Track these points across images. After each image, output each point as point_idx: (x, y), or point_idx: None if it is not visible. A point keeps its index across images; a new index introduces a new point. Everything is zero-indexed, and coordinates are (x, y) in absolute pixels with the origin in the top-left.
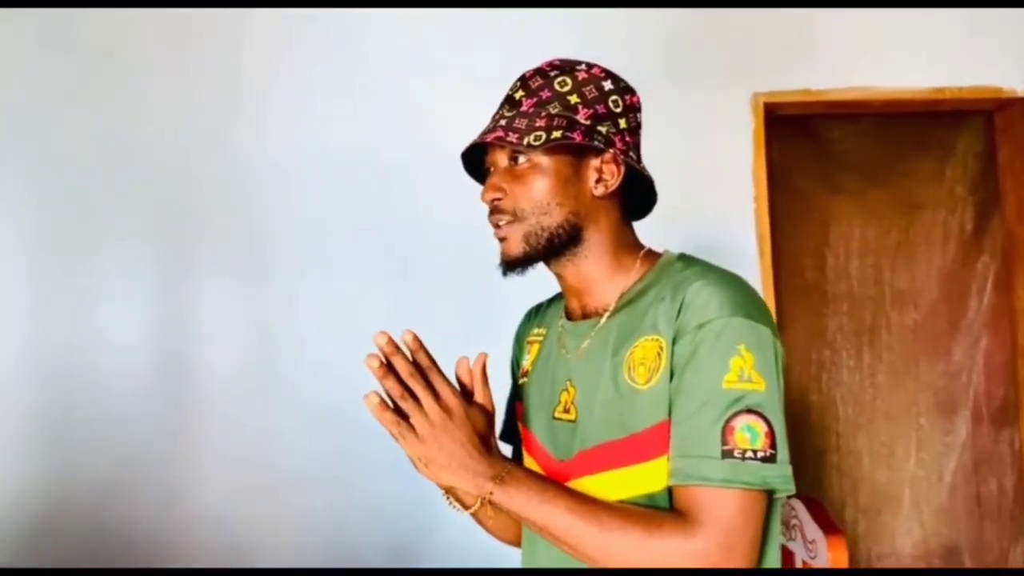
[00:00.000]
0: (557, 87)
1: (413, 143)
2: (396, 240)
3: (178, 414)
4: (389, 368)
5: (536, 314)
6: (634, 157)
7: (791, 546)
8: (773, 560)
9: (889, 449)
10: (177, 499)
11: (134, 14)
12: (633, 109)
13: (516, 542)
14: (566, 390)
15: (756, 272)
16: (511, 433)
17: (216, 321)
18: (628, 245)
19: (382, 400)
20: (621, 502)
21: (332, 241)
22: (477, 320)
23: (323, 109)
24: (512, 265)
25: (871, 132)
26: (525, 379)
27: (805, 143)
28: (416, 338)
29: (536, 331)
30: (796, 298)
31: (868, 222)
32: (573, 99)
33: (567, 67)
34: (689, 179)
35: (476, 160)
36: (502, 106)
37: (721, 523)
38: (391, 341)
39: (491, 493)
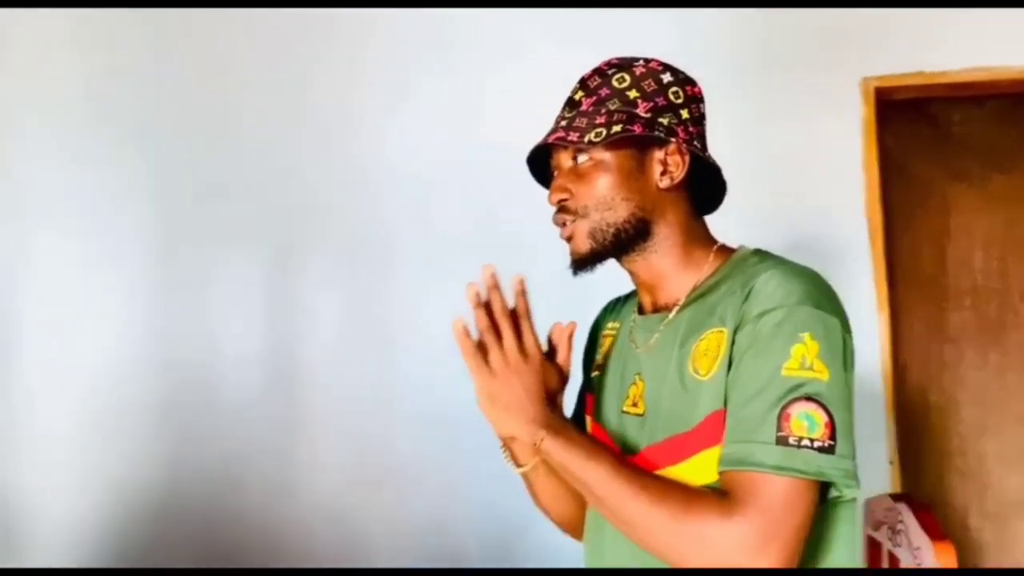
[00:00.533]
0: (615, 84)
1: (525, 147)
2: (504, 243)
3: (289, 411)
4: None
5: (613, 308)
6: (698, 146)
7: (897, 552)
8: (844, 564)
9: (1020, 453)
10: (288, 492)
11: (252, 15)
12: (695, 99)
13: (567, 524)
14: (634, 384)
15: (867, 265)
16: (578, 425)
17: (327, 322)
18: (699, 239)
19: (467, 328)
20: None
21: (440, 245)
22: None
23: (435, 112)
24: (580, 263)
25: (996, 115)
26: (597, 372)
27: (923, 128)
28: (522, 283)
29: (611, 325)
30: (913, 292)
31: (993, 211)
32: (632, 94)
33: (625, 64)
34: (795, 171)
35: (544, 164)
36: (563, 108)
37: (764, 508)
38: (495, 276)
39: (542, 440)
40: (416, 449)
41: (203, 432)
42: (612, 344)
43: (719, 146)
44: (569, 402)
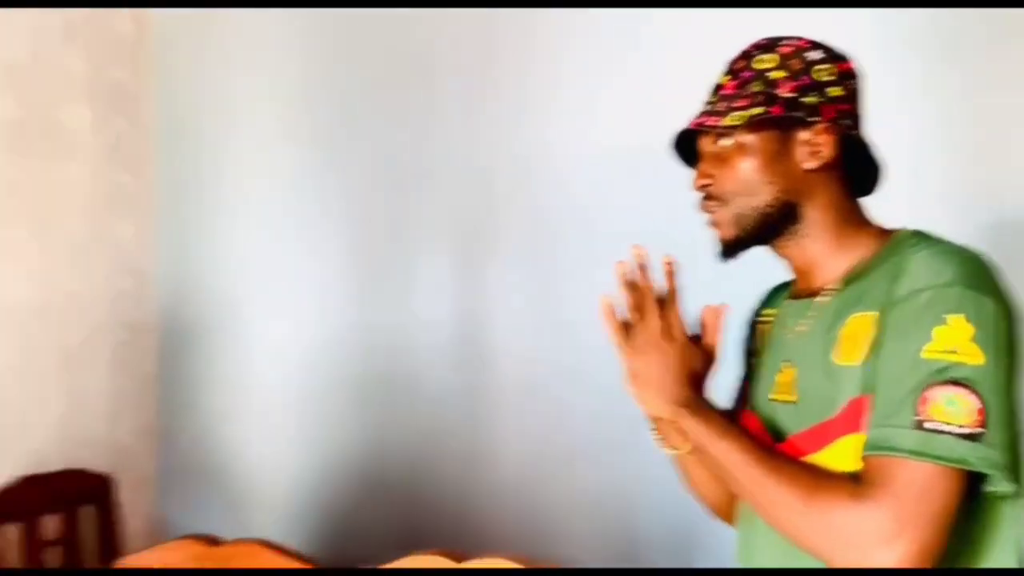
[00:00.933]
0: (759, 65)
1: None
2: (677, 229)
3: (479, 389)
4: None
5: (771, 295)
6: (849, 124)
7: None
8: (1000, 565)
9: None
10: (479, 467)
11: (431, 15)
12: (846, 76)
13: (719, 511)
14: (784, 371)
15: None
16: (737, 414)
17: (513, 304)
18: (854, 221)
19: (613, 306)
20: None
21: (616, 231)
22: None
23: (605, 105)
24: (727, 250)
25: None
26: (753, 360)
27: None
28: (672, 264)
29: (767, 312)
30: None
31: None
32: (775, 75)
33: (771, 44)
34: (1013, 146)
35: (694, 151)
36: (709, 93)
37: (898, 494)
38: (644, 256)
39: (680, 419)
40: (600, 428)
41: (402, 406)
42: (767, 331)
43: (926, 121)
44: (729, 390)
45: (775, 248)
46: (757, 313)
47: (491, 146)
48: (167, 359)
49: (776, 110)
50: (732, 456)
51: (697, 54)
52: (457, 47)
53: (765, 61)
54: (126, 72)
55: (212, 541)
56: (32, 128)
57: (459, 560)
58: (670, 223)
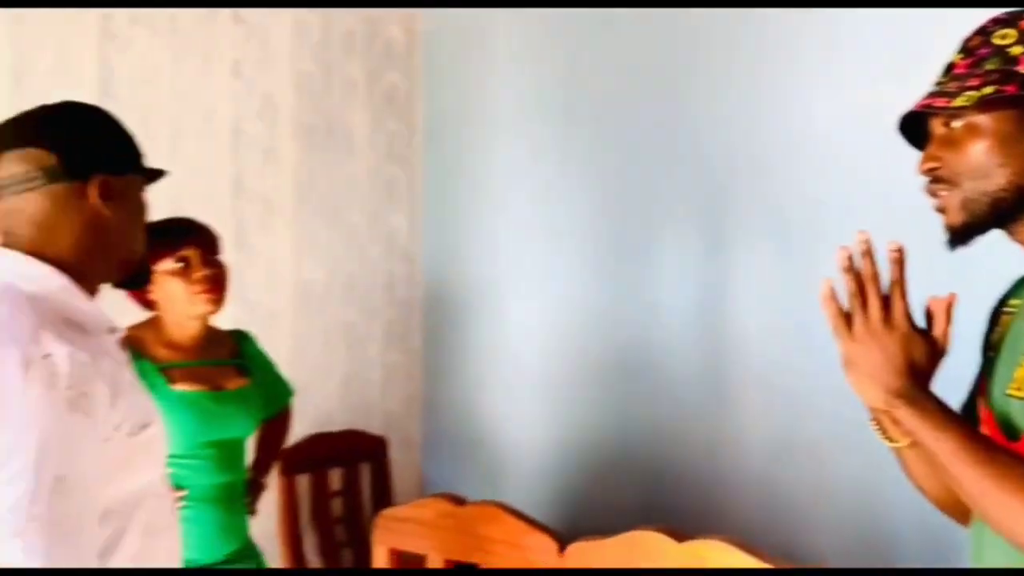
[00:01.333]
0: (996, 41)
1: None
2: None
3: (721, 374)
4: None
5: (1019, 284)
6: None
7: None
8: None
9: None
10: (720, 452)
11: (677, 12)
12: None
13: (942, 505)
14: (1022, 365)
15: None
16: (971, 409)
17: (756, 288)
18: None
19: (834, 291)
20: None
21: (863, 209)
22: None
23: (862, 81)
24: (956, 236)
25: None
26: (992, 353)
27: None
28: (899, 251)
29: (1013, 302)
30: None
31: None
32: (1015, 50)
33: (1012, 19)
34: None
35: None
36: (940, 74)
37: None
38: (868, 242)
39: (896, 410)
40: (848, 418)
41: (645, 389)
42: (1009, 322)
43: None
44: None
45: (1012, 235)
46: (1002, 303)
47: (739, 128)
48: (432, 335)
49: (1011, 88)
50: (944, 448)
51: (962, 30)
52: (705, 32)
53: (1005, 36)
54: (398, 77)
55: (458, 501)
56: (321, 131)
57: (679, 539)
58: (917, 197)
